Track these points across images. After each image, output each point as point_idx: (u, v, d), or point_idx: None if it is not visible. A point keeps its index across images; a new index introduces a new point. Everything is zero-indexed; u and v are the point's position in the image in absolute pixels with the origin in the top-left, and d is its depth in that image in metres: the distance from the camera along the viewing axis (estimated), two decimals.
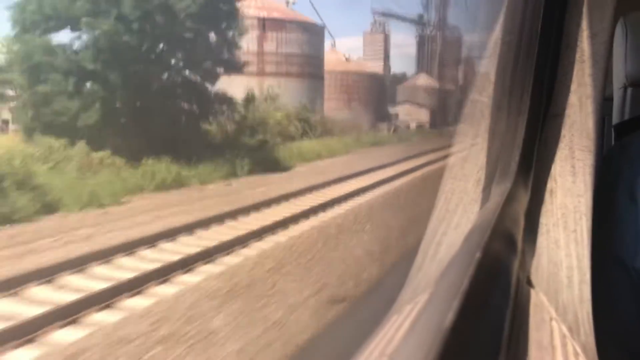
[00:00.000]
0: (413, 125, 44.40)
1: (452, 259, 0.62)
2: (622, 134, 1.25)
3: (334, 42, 40.32)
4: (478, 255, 0.54)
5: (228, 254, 8.56)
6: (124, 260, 8.03)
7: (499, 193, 0.94)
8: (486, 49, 1.08)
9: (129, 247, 8.33)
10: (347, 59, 39.56)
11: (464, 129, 1.14)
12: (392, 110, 44.30)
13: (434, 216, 1.07)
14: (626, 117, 1.67)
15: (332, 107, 33.87)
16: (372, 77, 41.91)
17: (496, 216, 0.77)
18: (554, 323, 0.85)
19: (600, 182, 1.02)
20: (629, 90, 1.64)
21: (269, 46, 28.86)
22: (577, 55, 1.01)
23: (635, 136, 1.16)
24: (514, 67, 1.03)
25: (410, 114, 44.26)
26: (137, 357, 5.00)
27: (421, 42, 55.58)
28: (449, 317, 0.40)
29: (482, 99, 1.07)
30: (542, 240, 0.99)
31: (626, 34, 1.46)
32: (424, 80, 50.81)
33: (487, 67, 1.08)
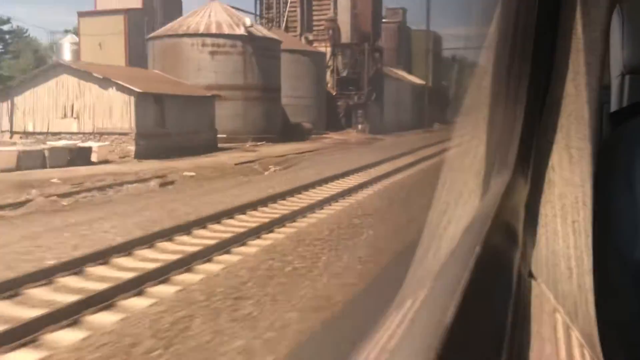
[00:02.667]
0: None
1: (453, 253, 0.62)
2: (620, 122, 1.25)
3: None
4: (478, 248, 0.53)
5: None
6: None
7: (498, 184, 0.93)
8: (483, 40, 1.07)
9: None
10: None
11: (462, 121, 1.13)
12: None
13: (433, 209, 1.06)
14: (624, 104, 1.67)
15: None
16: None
17: (496, 208, 0.76)
18: (556, 314, 0.85)
19: (598, 171, 1.02)
20: (627, 77, 1.63)
21: None
22: (574, 44, 1.01)
23: (633, 123, 1.15)
24: (510, 58, 1.02)
25: None
26: None
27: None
28: (450, 311, 0.40)
29: (480, 90, 1.06)
30: (542, 231, 0.98)
31: (622, 22, 1.45)
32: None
33: (484, 58, 1.07)
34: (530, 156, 1.01)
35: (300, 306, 6.39)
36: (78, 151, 20.00)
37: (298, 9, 44.87)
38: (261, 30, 34.28)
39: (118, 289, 6.66)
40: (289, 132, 34.24)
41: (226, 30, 31.47)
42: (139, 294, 6.77)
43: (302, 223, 10.70)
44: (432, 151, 21.32)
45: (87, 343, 5.40)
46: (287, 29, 44.05)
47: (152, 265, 7.62)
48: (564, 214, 0.98)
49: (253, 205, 11.82)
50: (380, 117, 45.89)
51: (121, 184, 15.10)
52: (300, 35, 44.50)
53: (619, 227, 1.07)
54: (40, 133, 23.86)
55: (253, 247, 8.94)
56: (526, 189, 0.99)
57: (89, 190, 14.12)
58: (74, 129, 23.83)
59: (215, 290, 6.79)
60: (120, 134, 22.93)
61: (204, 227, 10.02)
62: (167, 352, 5.16)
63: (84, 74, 23.97)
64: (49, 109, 24.39)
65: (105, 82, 23.30)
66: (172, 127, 24.09)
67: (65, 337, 5.59)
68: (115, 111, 23.23)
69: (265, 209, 11.85)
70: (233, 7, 33.81)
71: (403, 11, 60.55)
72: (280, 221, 10.49)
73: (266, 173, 18.96)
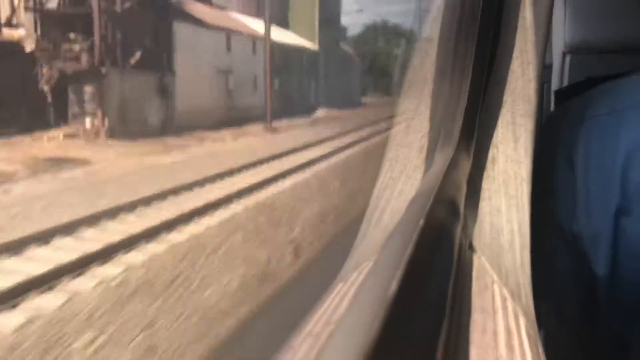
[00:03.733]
0: None
1: (396, 227, 0.62)
2: (562, 100, 1.28)
3: None
4: (421, 222, 0.54)
5: None
6: None
7: (441, 160, 0.94)
8: (428, 15, 1.07)
9: None
10: None
11: (407, 95, 1.14)
12: None
13: (378, 183, 1.07)
14: (565, 83, 1.71)
15: None
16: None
17: (439, 183, 0.77)
18: (495, 287, 0.87)
19: (540, 147, 1.04)
20: (568, 56, 1.67)
21: None
22: (520, 22, 1.02)
23: (574, 102, 1.18)
24: (457, 33, 1.03)
25: None
26: None
27: None
28: (393, 284, 0.40)
29: (425, 64, 1.07)
30: (484, 206, 1.01)
31: (565, 0, 1.48)
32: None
33: (431, 32, 1.08)
34: (473, 132, 1.03)
35: None
36: None
37: None
38: None
39: None
40: None
41: None
42: None
43: None
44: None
45: None
46: None
47: None
48: (505, 189, 1.00)
49: None
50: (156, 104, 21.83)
51: None
52: None
53: (558, 202, 1.11)
54: None
55: None
56: (469, 165, 1.01)
57: None
58: None
59: None
60: None
61: None
62: None
63: None
64: None
65: None
66: None
67: None
68: None
69: None
70: None
71: None
72: None
73: None
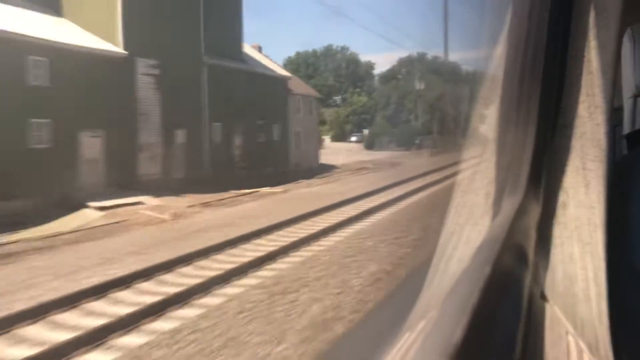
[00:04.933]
0: None
1: (463, 274, 0.62)
2: (635, 143, 1.24)
3: None
4: (488, 269, 0.53)
5: None
6: None
7: (509, 206, 0.93)
8: (492, 60, 1.07)
9: None
10: None
11: (472, 142, 1.13)
12: None
13: (444, 230, 1.06)
14: (637, 126, 1.66)
15: None
16: None
17: (507, 230, 0.76)
18: (570, 338, 0.84)
19: (613, 192, 1.01)
20: (639, 99, 1.63)
21: None
22: (585, 66, 1.01)
23: None
24: (520, 79, 1.02)
25: None
26: None
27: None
28: (460, 331, 0.40)
29: (489, 111, 1.07)
30: (555, 253, 0.98)
31: (634, 44, 1.45)
32: None
33: (494, 79, 1.08)
34: (541, 178, 1.01)
35: None
36: None
37: None
38: None
39: None
40: None
41: None
42: None
43: None
44: None
45: None
46: None
47: None
48: (578, 235, 0.97)
49: None
50: None
51: None
52: None
53: (635, 248, 1.07)
54: None
55: None
56: (538, 211, 0.99)
57: None
58: None
59: None
60: None
61: None
62: None
63: None
64: None
65: None
66: None
67: None
68: None
69: None
70: None
71: None
72: None
73: None
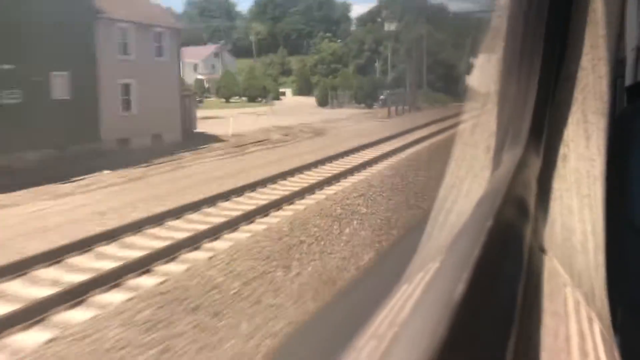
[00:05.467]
0: None
1: (463, 227, 0.61)
2: (635, 96, 1.23)
3: None
4: (489, 223, 0.53)
5: None
6: None
7: (510, 159, 0.92)
8: (495, 11, 1.05)
9: None
10: None
11: (473, 94, 1.12)
12: None
13: (444, 183, 1.05)
14: (639, 78, 1.64)
15: None
16: None
17: (508, 183, 0.75)
18: (568, 290, 0.84)
19: (613, 145, 1.00)
20: None
21: None
22: (590, 16, 0.98)
23: None
24: (524, 30, 1.00)
25: None
26: None
27: None
28: (460, 286, 0.39)
29: (491, 62, 1.05)
30: (555, 206, 0.98)
31: None
32: None
33: (497, 30, 1.05)
34: (543, 131, 1.00)
35: None
36: None
37: None
38: None
39: None
40: None
41: None
42: None
43: None
44: None
45: None
46: None
47: None
48: (577, 188, 0.97)
49: None
50: None
51: None
52: None
53: (633, 201, 1.06)
54: None
55: None
56: (539, 164, 0.98)
57: None
58: None
59: None
60: None
61: None
62: None
63: None
64: None
65: None
66: None
67: None
68: None
69: None
70: None
71: None
72: None
73: None
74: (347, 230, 10.90)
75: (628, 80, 1.72)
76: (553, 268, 0.90)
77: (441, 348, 0.33)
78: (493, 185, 0.87)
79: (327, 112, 43.27)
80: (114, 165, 19.07)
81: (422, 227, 1.05)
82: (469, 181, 1.02)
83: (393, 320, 0.62)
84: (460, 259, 0.46)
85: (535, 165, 0.96)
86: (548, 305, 0.74)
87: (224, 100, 52.61)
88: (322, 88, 52.91)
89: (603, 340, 0.74)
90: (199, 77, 56.88)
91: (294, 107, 47.51)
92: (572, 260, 0.92)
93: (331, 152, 20.63)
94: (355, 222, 11.48)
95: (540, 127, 1.00)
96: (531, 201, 0.87)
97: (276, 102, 52.72)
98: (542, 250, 0.93)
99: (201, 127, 30.02)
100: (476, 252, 0.45)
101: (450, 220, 0.99)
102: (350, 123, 35.35)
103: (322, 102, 50.51)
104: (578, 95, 1.00)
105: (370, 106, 46.96)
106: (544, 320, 0.69)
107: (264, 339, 6.63)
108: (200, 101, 45.41)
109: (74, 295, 8.03)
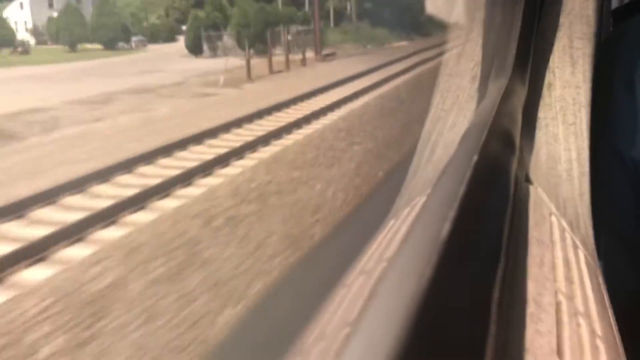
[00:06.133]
0: None
1: (449, 161, 0.61)
2: (621, 19, 1.20)
3: None
4: (475, 157, 0.52)
5: None
6: None
7: (495, 89, 0.91)
8: None
9: None
10: None
11: (457, 21, 1.09)
12: None
13: (429, 116, 1.04)
14: (625, 1, 1.61)
15: None
16: None
17: (493, 114, 0.74)
18: (553, 218, 0.85)
19: (598, 71, 0.99)
20: None
21: None
22: None
23: (634, 21, 1.11)
24: None
25: None
26: None
27: None
28: (447, 221, 0.39)
29: None
30: (540, 135, 0.97)
31: None
32: None
33: None
34: (528, 59, 0.99)
35: None
36: None
37: None
38: None
39: None
40: None
41: None
42: None
43: None
44: None
45: None
46: None
47: None
48: (563, 116, 0.96)
49: None
50: None
51: None
52: None
53: (617, 128, 1.06)
54: None
55: None
56: (524, 93, 0.97)
57: None
58: None
59: None
60: None
61: None
62: None
63: None
64: None
65: None
66: None
67: None
68: None
69: None
70: None
71: None
72: None
73: None
74: None
75: (615, 3, 1.69)
76: (539, 197, 0.90)
77: (430, 283, 0.33)
78: (478, 117, 0.86)
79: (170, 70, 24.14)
80: None
81: (410, 161, 1.05)
82: (454, 113, 1.01)
83: (381, 255, 0.63)
84: (447, 193, 0.45)
85: (521, 94, 0.95)
86: (534, 235, 0.74)
87: (67, 48, 36.35)
88: (194, 27, 32.59)
89: (587, 266, 0.75)
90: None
91: (137, 60, 30.29)
92: (557, 188, 0.93)
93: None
94: None
95: (526, 55, 0.98)
96: (517, 132, 0.86)
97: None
98: (528, 181, 0.94)
99: None
100: (462, 187, 0.45)
101: (436, 154, 0.99)
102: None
103: (194, 48, 31.99)
104: (564, 20, 0.98)
105: (264, 52, 24.58)
106: (530, 249, 0.70)
107: None
108: (25, 51, 35.28)
109: None
